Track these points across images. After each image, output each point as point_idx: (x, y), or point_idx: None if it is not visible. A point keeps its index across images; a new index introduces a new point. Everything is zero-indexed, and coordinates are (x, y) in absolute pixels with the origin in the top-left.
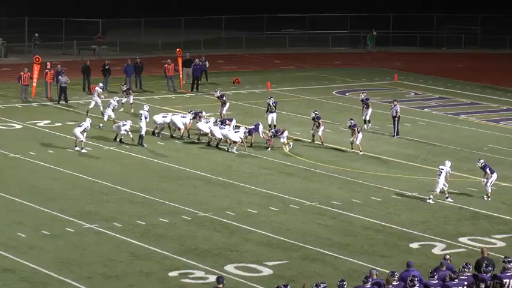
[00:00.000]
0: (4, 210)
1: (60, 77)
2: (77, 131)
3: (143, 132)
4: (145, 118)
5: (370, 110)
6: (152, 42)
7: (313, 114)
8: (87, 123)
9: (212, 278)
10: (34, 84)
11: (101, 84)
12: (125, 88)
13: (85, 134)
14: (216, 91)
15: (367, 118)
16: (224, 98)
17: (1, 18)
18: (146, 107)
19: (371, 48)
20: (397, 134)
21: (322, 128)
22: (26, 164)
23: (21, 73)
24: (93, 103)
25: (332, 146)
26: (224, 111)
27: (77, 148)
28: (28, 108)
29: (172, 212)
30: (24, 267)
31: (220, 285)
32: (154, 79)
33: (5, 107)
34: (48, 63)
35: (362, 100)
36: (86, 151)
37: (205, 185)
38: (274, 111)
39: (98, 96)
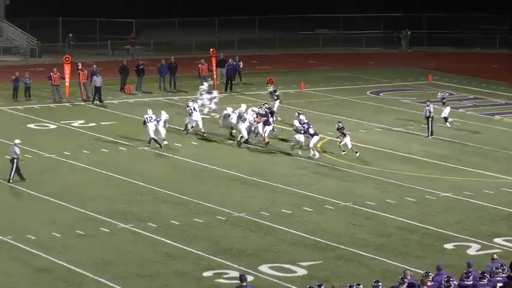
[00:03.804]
0: (39, 210)
1: (95, 76)
2: (160, 126)
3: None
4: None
5: (447, 109)
6: (186, 42)
7: (337, 126)
8: (164, 115)
9: (248, 279)
10: (67, 84)
11: (206, 84)
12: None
13: (166, 126)
14: (268, 87)
15: (445, 115)
16: (277, 94)
17: (35, 19)
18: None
19: (405, 49)
20: (432, 135)
21: (348, 138)
22: (60, 164)
23: (51, 73)
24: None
25: (366, 146)
26: (275, 108)
27: (165, 142)
28: (62, 108)
29: (207, 212)
30: (59, 267)
31: (244, 283)
32: (188, 79)
33: (40, 107)
34: (80, 64)
35: (440, 99)
36: (166, 143)
37: (239, 185)
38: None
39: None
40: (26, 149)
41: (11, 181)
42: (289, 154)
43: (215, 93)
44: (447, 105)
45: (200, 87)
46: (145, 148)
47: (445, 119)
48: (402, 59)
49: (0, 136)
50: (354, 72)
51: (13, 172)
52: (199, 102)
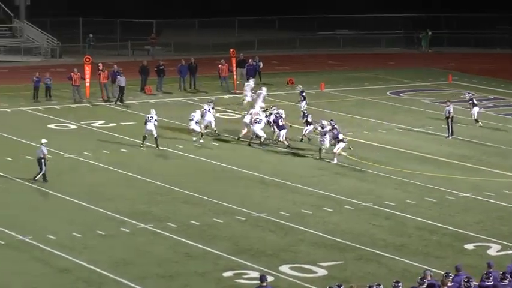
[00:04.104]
0: (59, 210)
1: (119, 76)
2: (193, 124)
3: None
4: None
5: (476, 109)
6: (206, 42)
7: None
8: (197, 114)
9: (268, 279)
10: (87, 84)
11: (251, 81)
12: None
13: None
14: (297, 87)
15: (475, 117)
16: (304, 94)
17: (56, 19)
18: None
19: (425, 49)
20: (452, 135)
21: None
22: (80, 164)
23: (72, 74)
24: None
25: (386, 146)
26: (302, 108)
27: (201, 141)
28: (82, 109)
29: (226, 212)
30: (80, 267)
31: (264, 283)
32: (209, 79)
33: (60, 107)
34: (100, 64)
35: (467, 100)
36: (202, 141)
37: (259, 185)
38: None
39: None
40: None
41: (37, 178)
42: (306, 156)
43: (264, 90)
44: (476, 106)
45: (246, 83)
46: (166, 148)
47: (476, 120)
48: (422, 59)
49: (20, 136)
50: (373, 72)
51: (42, 171)
52: (247, 99)
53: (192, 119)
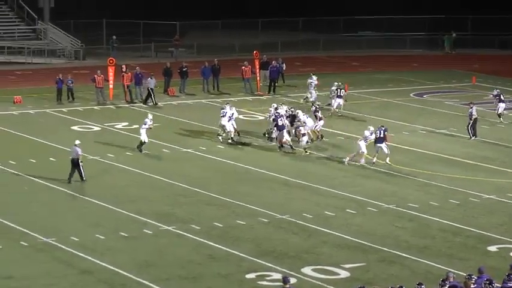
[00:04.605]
0: (82, 212)
1: (149, 79)
2: (224, 121)
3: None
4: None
5: (502, 105)
6: (229, 44)
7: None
8: (229, 110)
9: (291, 281)
10: (111, 86)
11: (314, 77)
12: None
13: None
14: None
15: (498, 112)
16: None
17: (80, 21)
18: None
19: (448, 50)
20: (475, 136)
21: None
22: (104, 166)
23: (95, 75)
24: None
25: (410, 148)
26: (313, 97)
27: (234, 139)
28: (106, 111)
29: (249, 214)
30: (102, 268)
31: (287, 285)
32: (232, 81)
33: (84, 109)
34: (124, 66)
35: (495, 95)
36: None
37: (282, 187)
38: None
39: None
40: (68, 151)
41: (84, 179)
42: (329, 158)
43: (344, 94)
44: (503, 102)
45: (309, 80)
46: (190, 150)
47: (499, 115)
48: (446, 60)
49: (44, 138)
50: (397, 74)
51: (82, 172)
52: (310, 96)
53: (223, 115)
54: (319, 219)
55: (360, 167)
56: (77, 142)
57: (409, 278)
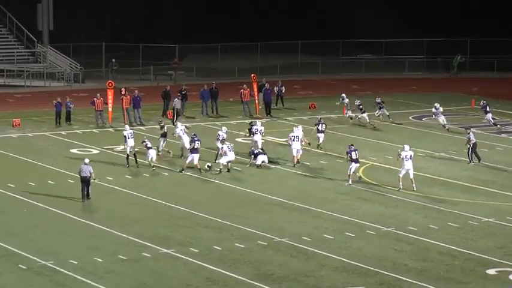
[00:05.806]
0: (81, 235)
1: (176, 99)
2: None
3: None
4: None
5: (489, 115)
6: (228, 67)
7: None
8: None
9: None
10: (110, 109)
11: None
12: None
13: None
14: (356, 100)
15: (492, 123)
16: (361, 107)
17: (79, 44)
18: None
19: (456, 73)
20: (479, 160)
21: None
22: (102, 189)
23: (95, 98)
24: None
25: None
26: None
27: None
28: (105, 134)
29: (248, 237)
30: None
31: None
32: (230, 104)
33: (82, 132)
34: (123, 89)
35: (481, 107)
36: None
37: (280, 210)
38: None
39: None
40: (67, 173)
41: (90, 197)
42: (331, 179)
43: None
44: (489, 112)
45: (341, 100)
46: (188, 173)
47: (494, 124)
48: (445, 83)
49: (43, 161)
50: (396, 96)
51: (90, 190)
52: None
53: (218, 138)
54: (318, 242)
55: (358, 189)
56: (87, 161)
57: None
